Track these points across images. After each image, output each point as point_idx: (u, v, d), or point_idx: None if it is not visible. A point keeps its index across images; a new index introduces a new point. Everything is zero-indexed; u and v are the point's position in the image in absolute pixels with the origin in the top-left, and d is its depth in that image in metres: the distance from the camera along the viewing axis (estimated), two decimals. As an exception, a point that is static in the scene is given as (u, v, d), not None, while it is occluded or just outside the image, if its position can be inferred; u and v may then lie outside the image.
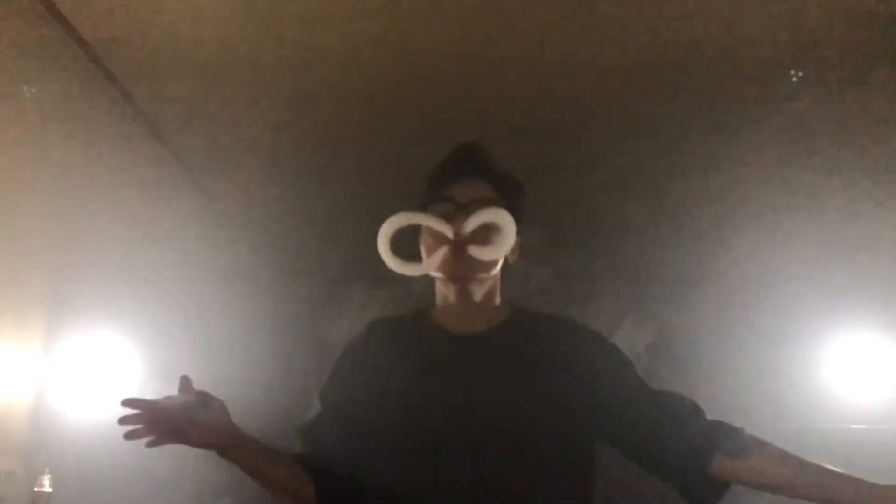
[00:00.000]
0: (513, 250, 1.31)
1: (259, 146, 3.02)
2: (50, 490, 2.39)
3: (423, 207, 1.32)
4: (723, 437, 1.22)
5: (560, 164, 3.03)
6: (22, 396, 2.44)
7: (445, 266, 1.27)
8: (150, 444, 1.12)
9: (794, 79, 2.36)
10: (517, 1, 2.21)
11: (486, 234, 1.26)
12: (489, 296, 1.33)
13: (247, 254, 3.34)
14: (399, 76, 2.53)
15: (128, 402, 1.10)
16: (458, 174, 1.31)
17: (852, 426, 3.31)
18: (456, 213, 1.28)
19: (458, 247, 1.25)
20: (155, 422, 1.11)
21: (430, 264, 1.28)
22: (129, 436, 1.11)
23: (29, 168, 2.41)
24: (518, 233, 1.29)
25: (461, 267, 1.27)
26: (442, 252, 1.26)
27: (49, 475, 2.39)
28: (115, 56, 2.45)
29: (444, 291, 1.33)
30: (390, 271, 1.31)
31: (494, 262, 1.30)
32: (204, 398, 1.14)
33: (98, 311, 2.77)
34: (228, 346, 3.00)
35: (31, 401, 2.49)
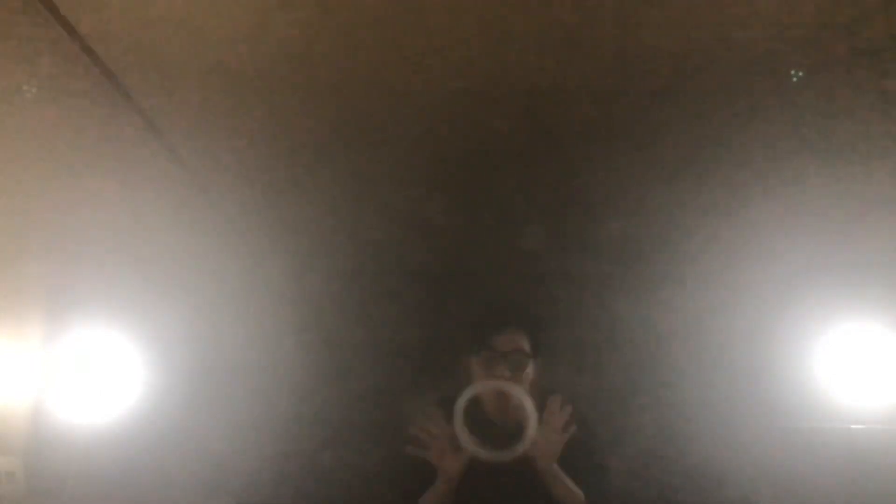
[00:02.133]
0: (531, 379, 1.80)
1: (262, 145, 3.02)
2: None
3: (471, 353, 1.79)
4: None
5: (563, 165, 3.03)
6: (22, 396, 2.44)
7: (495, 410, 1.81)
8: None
9: (794, 78, 2.36)
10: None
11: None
12: None
13: (249, 254, 3.33)
14: (400, 76, 2.53)
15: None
16: (499, 326, 1.75)
17: (852, 426, 3.31)
18: (499, 361, 1.73)
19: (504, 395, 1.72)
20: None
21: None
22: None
23: (27, 168, 2.41)
24: (537, 363, 1.80)
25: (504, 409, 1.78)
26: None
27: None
28: (115, 55, 2.45)
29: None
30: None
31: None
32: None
33: (98, 311, 2.77)
34: (229, 346, 3.00)
35: (31, 401, 2.48)
